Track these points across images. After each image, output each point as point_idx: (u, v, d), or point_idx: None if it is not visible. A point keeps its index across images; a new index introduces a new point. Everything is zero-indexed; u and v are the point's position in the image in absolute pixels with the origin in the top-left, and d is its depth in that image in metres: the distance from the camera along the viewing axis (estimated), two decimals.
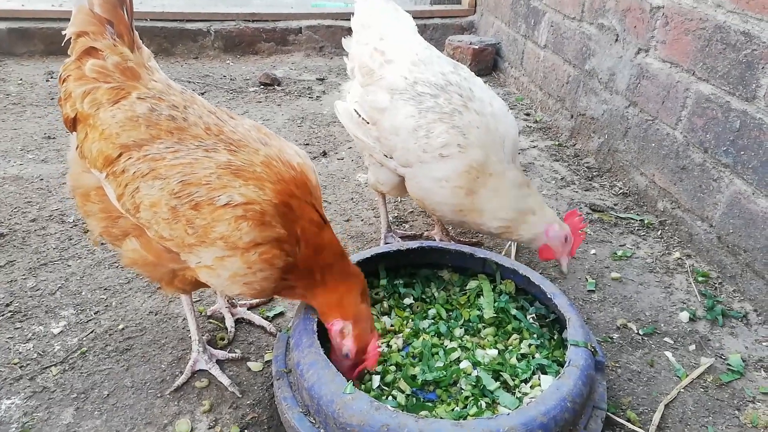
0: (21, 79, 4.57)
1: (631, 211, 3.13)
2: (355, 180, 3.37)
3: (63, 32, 1.83)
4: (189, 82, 4.67)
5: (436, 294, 2.21)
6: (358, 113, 2.48)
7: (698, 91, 2.73)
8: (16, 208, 2.89)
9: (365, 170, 3.31)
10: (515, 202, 2.22)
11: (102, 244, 2.03)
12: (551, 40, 4.23)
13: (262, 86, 4.70)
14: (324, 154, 3.66)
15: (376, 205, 3.03)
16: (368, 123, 2.43)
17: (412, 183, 2.34)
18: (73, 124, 1.84)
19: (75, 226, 2.76)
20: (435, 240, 2.77)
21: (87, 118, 1.77)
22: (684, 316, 2.38)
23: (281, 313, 2.31)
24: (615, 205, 3.20)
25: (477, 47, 5.11)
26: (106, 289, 2.37)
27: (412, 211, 3.09)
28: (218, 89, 4.61)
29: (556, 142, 3.96)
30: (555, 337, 2.01)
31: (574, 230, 2.26)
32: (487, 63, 5.20)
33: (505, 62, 5.12)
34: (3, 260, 2.50)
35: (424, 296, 2.21)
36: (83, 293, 2.34)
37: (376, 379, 1.80)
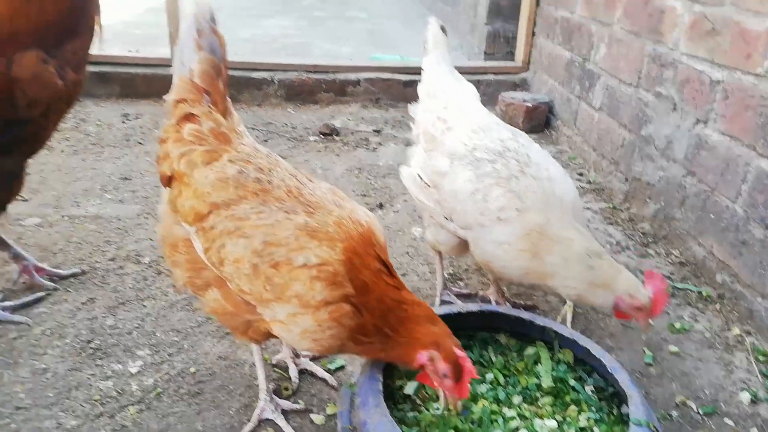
0: (99, 120, 4.92)
1: (689, 282, 3.11)
2: (411, 234, 3.47)
3: (163, 98, 2.04)
4: (253, 128, 4.92)
5: (493, 358, 2.25)
6: (420, 177, 2.61)
7: (759, 167, 2.74)
8: (96, 246, 3.09)
9: (421, 224, 3.41)
10: (584, 274, 2.20)
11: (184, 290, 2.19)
12: (606, 103, 4.31)
13: (321, 136, 4.91)
14: (380, 206, 3.79)
15: (431, 260, 3.12)
16: (429, 186, 2.56)
17: (475, 247, 2.42)
18: (168, 181, 2.01)
19: (150, 267, 2.94)
20: (490, 300, 2.82)
21: (182, 176, 1.94)
22: (745, 396, 2.34)
23: (342, 367, 2.38)
24: (672, 274, 3.18)
25: (530, 105, 5.22)
26: (178, 331, 2.51)
27: (467, 269, 3.16)
28: (280, 137, 4.85)
29: (610, 205, 3.98)
30: (614, 412, 2.02)
31: (656, 294, 2.14)
32: (539, 120, 5.30)
33: (558, 120, 5.21)
34: (84, 297, 2.68)
35: (481, 359, 2.25)
36: (158, 334, 2.48)
37: None
